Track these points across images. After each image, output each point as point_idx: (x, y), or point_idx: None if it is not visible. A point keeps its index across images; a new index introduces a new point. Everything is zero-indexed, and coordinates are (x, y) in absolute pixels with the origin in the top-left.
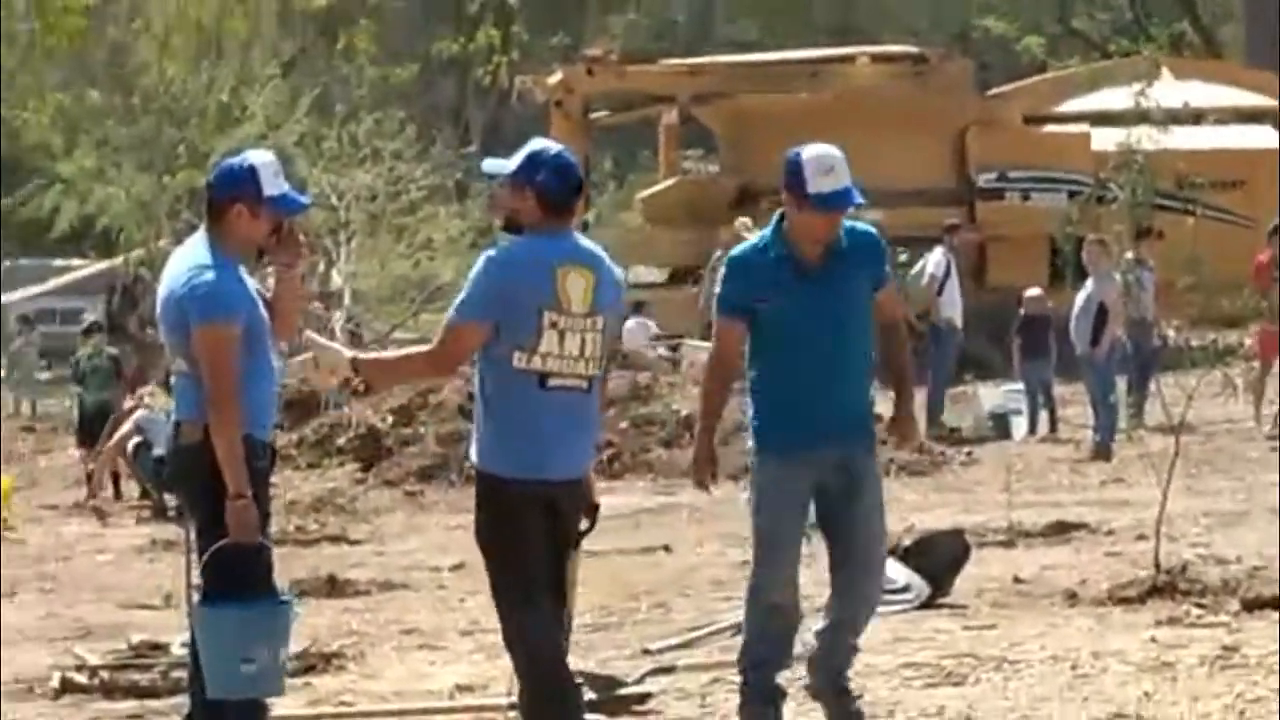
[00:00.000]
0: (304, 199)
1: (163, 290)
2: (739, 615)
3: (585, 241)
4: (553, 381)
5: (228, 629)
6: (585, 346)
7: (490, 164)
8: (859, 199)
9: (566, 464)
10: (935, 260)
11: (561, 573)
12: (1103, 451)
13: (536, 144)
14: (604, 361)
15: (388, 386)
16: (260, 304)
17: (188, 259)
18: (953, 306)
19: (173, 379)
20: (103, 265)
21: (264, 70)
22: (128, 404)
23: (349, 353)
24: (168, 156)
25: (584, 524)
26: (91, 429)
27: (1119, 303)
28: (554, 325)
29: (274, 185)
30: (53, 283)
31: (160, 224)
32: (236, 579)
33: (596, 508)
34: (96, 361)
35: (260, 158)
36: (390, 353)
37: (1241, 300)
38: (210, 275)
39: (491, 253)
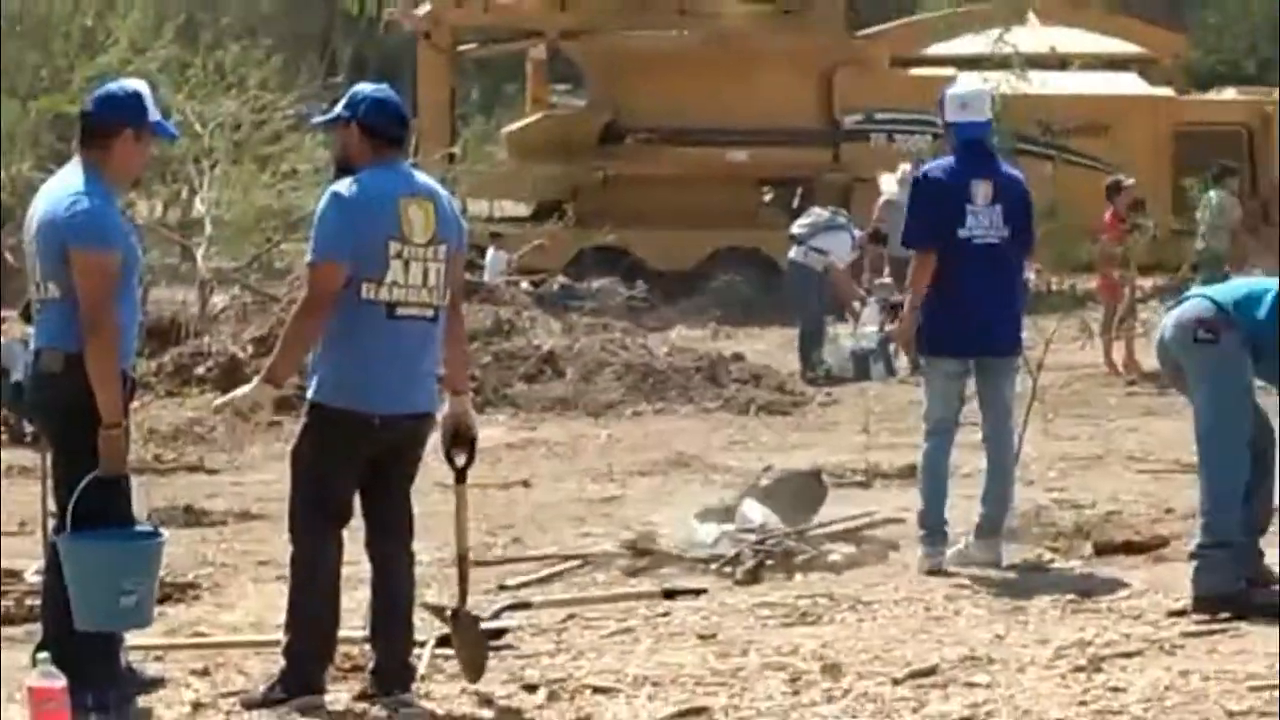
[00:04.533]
0: (173, 129)
1: (38, 215)
2: (597, 547)
3: (422, 175)
4: (400, 311)
5: (105, 561)
6: (429, 276)
7: (319, 118)
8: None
9: (410, 399)
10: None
11: (398, 510)
12: None
13: (359, 86)
14: (447, 291)
15: (299, 364)
16: (133, 234)
17: (66, 185)
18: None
19: (35, 305)
20: None
21: None
22: None
23: (255, 380)
24: (31, 81)
25: (462, 458)
26: None
27: None
28: (399, 255)
29: (155, 112)
30: None
31: (23, 149)
32: (98, 509)
33: (474, 441)
34: None
35: (140, 85)
36: (279, 341)
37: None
38: (91, 202)
39: (337, 188)
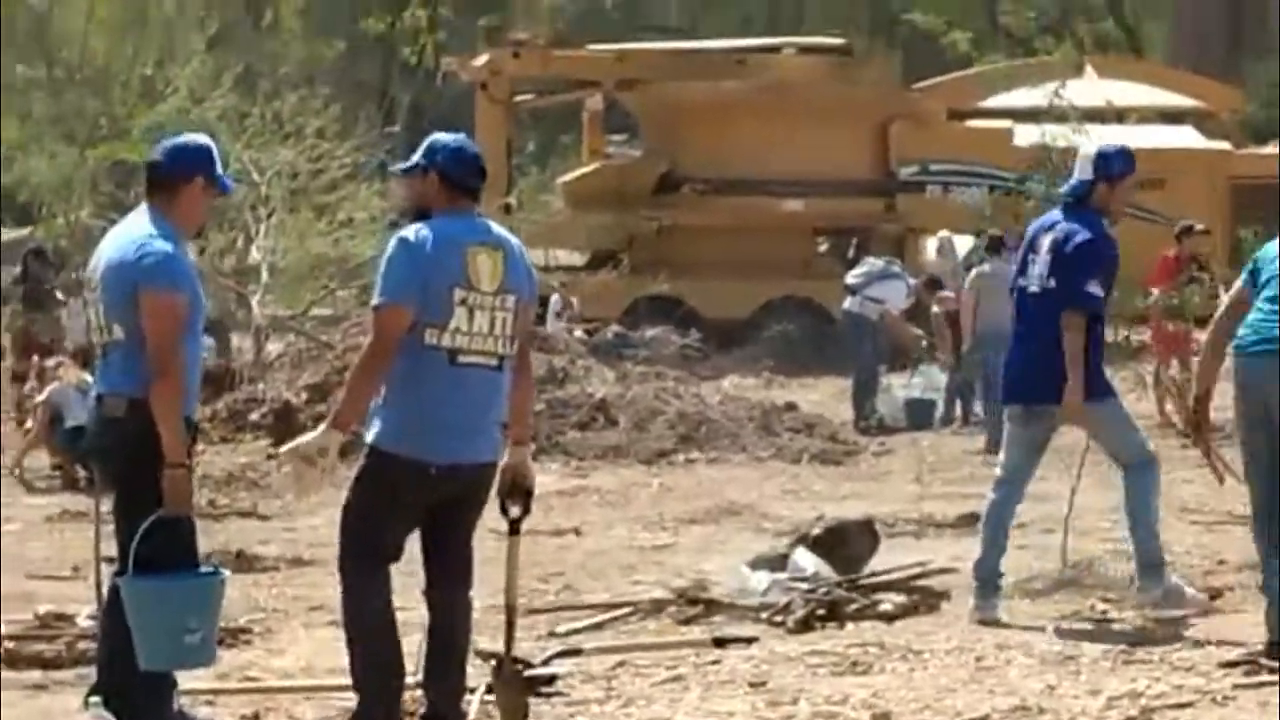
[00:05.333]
0: (230, 183)
1: (106, 258)
2: (648, 595)
3: (495, 225)
4: (462, 358)
5: (168, 600)
6: (495, 324)
7: (401, 166)
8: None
9: (473, 448)
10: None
11: (457, 557)
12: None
13: (437, 135)
14: (514, 341)
15: (365, 408)
16: (199, 283)
17: (137, 229)
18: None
19: (100, 350)
20: (21, 233)
21: (188, 44)
22: (33, 374)
23: (322, 426)
24: (90, 129)
25: (517, 510)
26: None
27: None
28: (463, 302)
29: (219, 165)
30: None
31: (81, 196)
32: (161, 551)
33: (530, 492)
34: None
35: (206, 139)
36: (345, 385)
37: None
38: (162, 245)
39: (404, 233)
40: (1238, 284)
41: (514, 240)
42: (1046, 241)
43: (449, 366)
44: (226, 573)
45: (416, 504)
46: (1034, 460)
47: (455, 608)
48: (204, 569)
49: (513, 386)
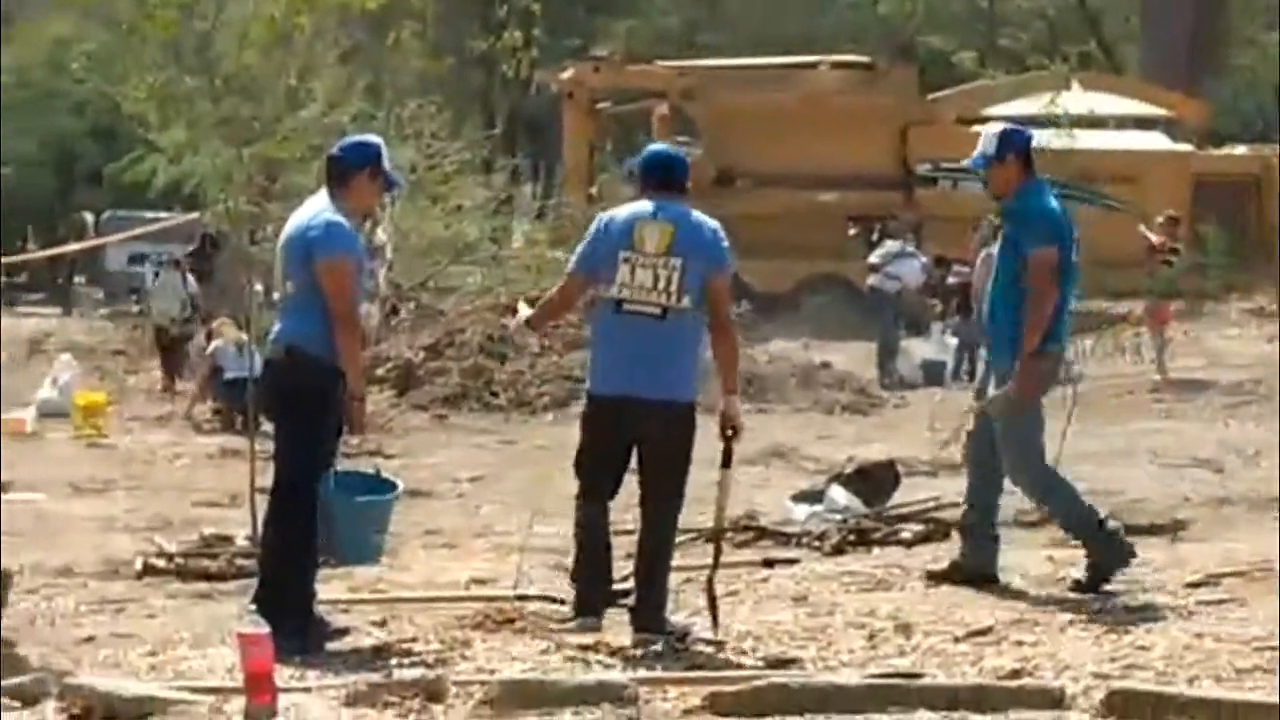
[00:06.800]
0: (399, 179)
1: (292, 229)
2: (709, 524)
3: (681, 207)
4: (626, 307)
5: (377, 509)
6: (659, 280)
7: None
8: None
9: (636, 382)
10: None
11: (655, 482)
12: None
13: (650, 147)
14: (682, 296)
15: (545, 326)
16: (365, 260)
17: (318, 208)
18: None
19: (280, 303)
20: (189, 216)
21: (326, 59)
22: (201, 338)
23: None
24: (245, 130)
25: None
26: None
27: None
28: (627, 261)
29: (387, 162)
30: (141, 230)
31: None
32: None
33: (734, 428)
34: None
35: (378, 139)
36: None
37: (1130, 277)
38: (340, 219)
39: (602, 214)
40: None
41: (691, 216)
42: None
43: (614, 314)
44: (401, 486)
45: (601, 429)
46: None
47: (653, 522)
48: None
49: (714, 340)
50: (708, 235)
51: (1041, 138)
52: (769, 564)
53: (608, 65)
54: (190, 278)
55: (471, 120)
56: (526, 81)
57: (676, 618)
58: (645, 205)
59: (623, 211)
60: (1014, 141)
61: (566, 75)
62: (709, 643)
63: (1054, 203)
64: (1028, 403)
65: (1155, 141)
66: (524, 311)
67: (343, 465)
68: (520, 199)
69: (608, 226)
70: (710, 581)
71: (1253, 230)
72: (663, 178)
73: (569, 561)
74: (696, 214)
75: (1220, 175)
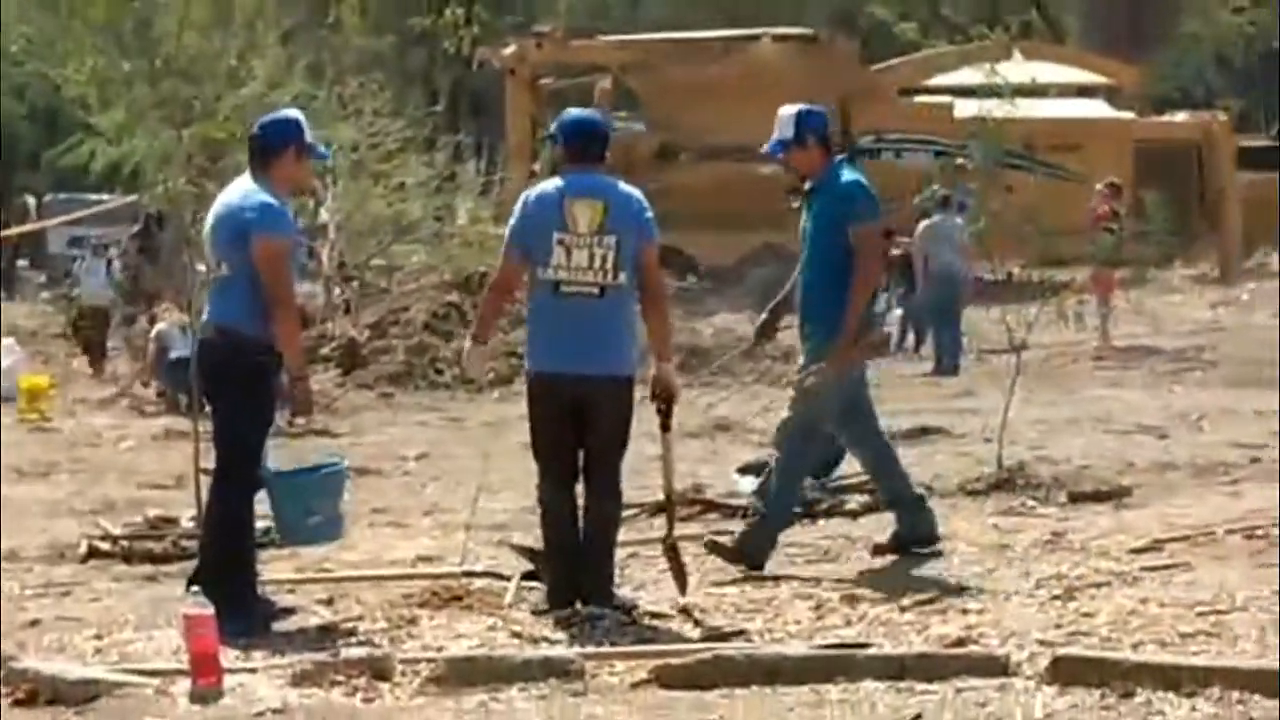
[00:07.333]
0: (325, 150)
1: (221, 209)
2: (653, 498)
3: (605, 179)
4: (564, 288)
5: (318, 484)
6: (594, 260)
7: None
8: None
9: (578, 360)
10: None
11: (595, 462)
12: (947, 369)
13: (566, 112)
14: (619, 273)
15: (493, 326)
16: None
17: (247, 189)
18: None
19: (212, 284)
20: (129, 199)
21: (266, 39)
22: (144, 320)
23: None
24: (184, 111)
25: (664, 412)
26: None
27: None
28: (561, 243)
29: (309, 135)
30: (83, 213)
31: (179, 167)
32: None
33: (670, 394)
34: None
35: (298, 113)
36: (479, 312)
37: (1074, 244)
38: (270, 199)
39: (526, 192)
40: None
41: (619, 188)
42: None
43: (552, 296)
44: (345, 463)
45: (546, 408)
46: None
47: (592, 504)
48: (326, 463)
49: (645, 312)
50: (635, 207)
51: (984, 107)
52: (715, 537)
53: (550, 41)
54: (116, 264)
55: (414, 98)
56: (468, 58)
57: (623, 591)
58: (577, 178)
59: (548, 187)
60: (810, 123)
61: (508, 51)
62: (655, 615)
63: (862, 176)
64: (852, 371)
65: (1097, 109)
66: (467, 344)
67: (289, 446)
68: (463, 176)
69: (537, 200)
70: (671, 545)
71: (1195, 197)
72: (583, 145)
73: (515, 538)
74: (622, 185)
75: (1162, 142)
